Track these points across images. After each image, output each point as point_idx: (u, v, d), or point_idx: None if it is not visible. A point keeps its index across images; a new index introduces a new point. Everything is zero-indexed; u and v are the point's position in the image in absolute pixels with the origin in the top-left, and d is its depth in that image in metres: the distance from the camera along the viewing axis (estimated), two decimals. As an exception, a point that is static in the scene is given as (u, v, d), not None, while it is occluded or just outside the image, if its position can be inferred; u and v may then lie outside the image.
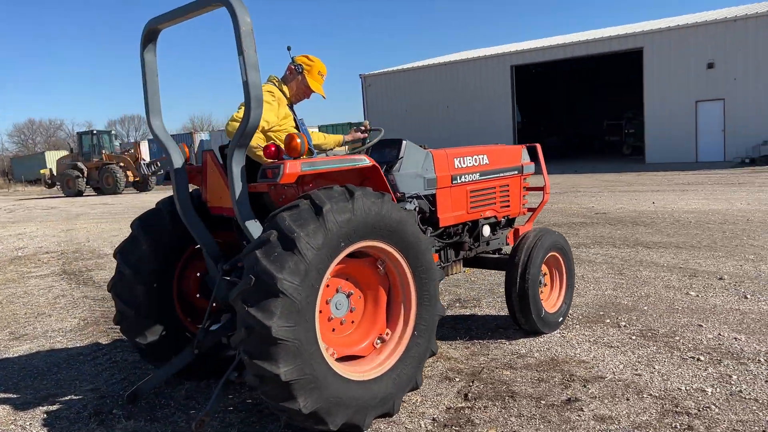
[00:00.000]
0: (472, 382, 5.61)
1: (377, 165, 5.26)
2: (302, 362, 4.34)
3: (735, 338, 6.33)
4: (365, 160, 5.20)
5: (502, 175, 7.09)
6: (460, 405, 5.14)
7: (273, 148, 4.91)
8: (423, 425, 4.83)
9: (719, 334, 6.45)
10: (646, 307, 7.58)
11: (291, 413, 4.42)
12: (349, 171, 5.16)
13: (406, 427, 4.82)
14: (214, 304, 5.40)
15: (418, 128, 41.30)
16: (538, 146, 7.68)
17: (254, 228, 4.92)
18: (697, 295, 7.95)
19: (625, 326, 6.92)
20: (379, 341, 5.08)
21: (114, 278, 5.70)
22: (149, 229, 5.68)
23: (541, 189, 7.64)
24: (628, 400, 5.04)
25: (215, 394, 4.72)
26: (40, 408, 5.67)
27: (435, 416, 4.97)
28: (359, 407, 4.64)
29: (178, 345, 5.75)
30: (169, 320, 5.80)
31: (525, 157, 7.50)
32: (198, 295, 6.01)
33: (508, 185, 7.19)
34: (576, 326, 7.02)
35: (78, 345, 7.54)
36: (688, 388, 5.20)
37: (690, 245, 11.20)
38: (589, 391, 5.24)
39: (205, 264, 5.93)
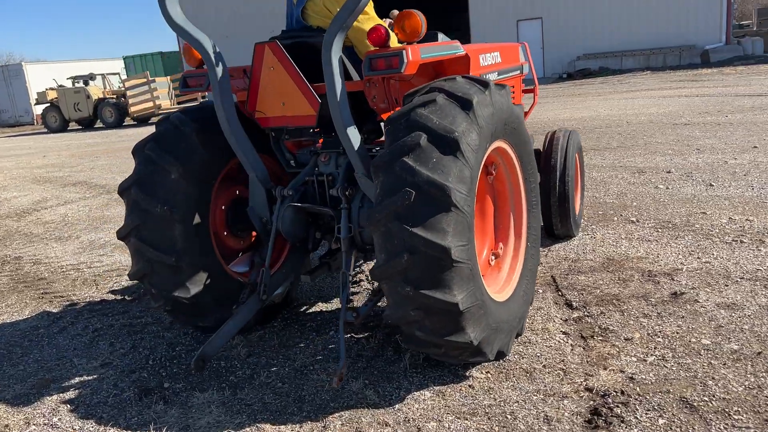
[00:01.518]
0: (559, 290, 5.23)
1: (468, 54, 4.52)
2: (474, 287, 3.63)
3: (747, 220, 6.58)
4: (461, 48, 4.43)
5: (511, 74, 6.58)
6: (575, 315, 4.75)
7: (383, 32, 3.92)
8: (561, 340, 4.37)
9: (730, 218, 6.68)
10: (635, 203, 7.68)
11: (453, 347, 3.72)
12: (447, 60, 4.37)
13: (547, 345, 4.32)
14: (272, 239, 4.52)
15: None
16: (527, 45, 7.26)
17: (354, 136, 3.98)
18: (668, 188, 8.23)
19: (638, 221, 6.94)
20: (493, 257, 4.46)
21: (133, 220, 4.38)
22: (172, 150, 4.41)
23: (532, 91, 7.27)
24: (727, 286, 4.99)
25: (341, 342, 3.83)
26: (57, 398, 4.29)
27: (564, 330, 4.53)
28: (507, 331, 4.06)
29: (225, 296, 4.64)
30: (212, 265, 4.64)
31: (522, 57, 7.05)
32: (225, 233, 4.87)
33: (514, 86, 6.72)
34: (593, 227, 6.90)
35: (23, 318, 5.91)
36: (766, 268, 5.26)
37: (604, 147, 11.66)
38: (682, 283, 5.11)
39: (231, 193, 4.80)
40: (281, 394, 4.03)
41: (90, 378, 4.55)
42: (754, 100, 15.94)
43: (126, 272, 6.99)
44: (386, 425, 3.60)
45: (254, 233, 5.28)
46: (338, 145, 4.56)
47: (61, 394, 4.35)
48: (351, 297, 4.61)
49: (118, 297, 6.27)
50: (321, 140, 5.34)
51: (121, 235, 4.50)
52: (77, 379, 4.55)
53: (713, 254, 5.71)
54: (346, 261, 4.24)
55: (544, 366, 4.06)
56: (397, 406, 3.78)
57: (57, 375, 4.65)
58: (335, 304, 5.48)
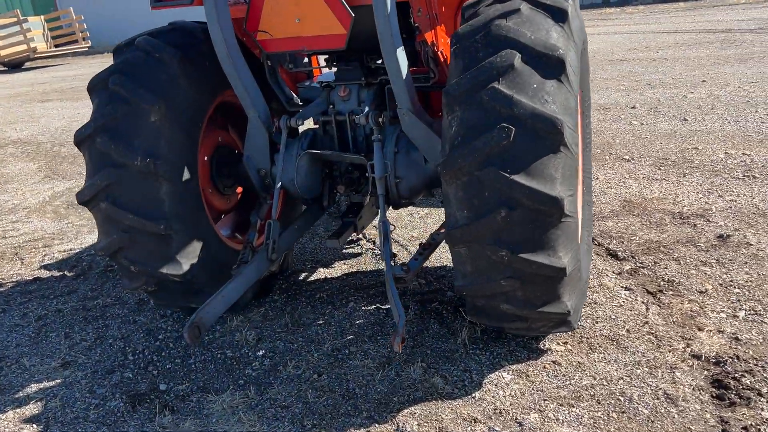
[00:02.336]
0: (593, 239, 4.65)
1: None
2: (576, 246, 2.95)
3: (743, 154, 6.32)
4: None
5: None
6: (627, 266, 4.22)
7: None
8: (628, 297, 3.82)
9: (726, 153, 6.40)
10: (618, 140, 7.28)
11: (544, 319, 3.07)
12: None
13: (616, 305, 3.75)
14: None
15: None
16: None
17: (403, 59, 3.14)
18: (642, 124, 7.89)
19: (632, 159, 6.54)
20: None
21: (101, 179, 3.34)
22: (149, 84, 3.38)
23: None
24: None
25: (396, 303, 3.06)
26: (14, 417, 3.26)
27: (624, 285, 3.98)
28: (584, 292, 3.44)
29: (221, 270, 3.71)
30: (205, 231, 3.69)
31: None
32: (210, 190, 3.91)
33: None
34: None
35: (-58, 307, 4.66)
36: (797, 203, 4.95)
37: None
38: (721, 224, 4.70)
39: (213, 140, 3.85)
40: (323, 390, 3.22)
41: (53, 384, 3.52)
42: (674, 36, 16.07)
43: (57, 240, 5.77)
44: (475, 421, 2.90)
45: (239, 190, 4.31)
46: (359, 76, 3.67)
47: (17, 411, 3.31)
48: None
49: (56, 273, 5.10)
50: (316, 72, 4.40)
51: (85, 198, 3.43)
52: (35, 387, 3.50)
53: (734, 191, 5.34)
54: (383, 207, 3.44)
55: (628, 331, 3.48)
56: (476, 394, 3.08)
57: (3, 384, 3.57)
58: (339, 268, 4.64)
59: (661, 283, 3.96)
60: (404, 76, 3.21)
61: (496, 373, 3.23)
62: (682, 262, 4.19)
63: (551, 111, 2.68)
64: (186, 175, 3.50)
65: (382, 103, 3.74)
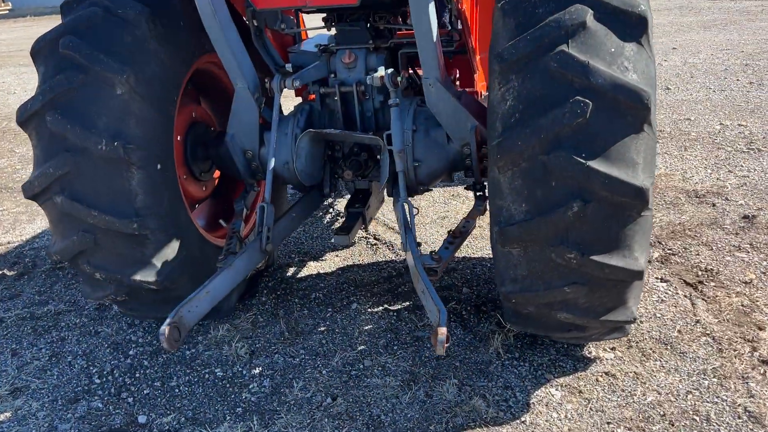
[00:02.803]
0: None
1: None
2: (648, 244, 2.49)
3: (739, 125, 6.06)
4: None
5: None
6: (656, 253, 3.81)
7: None
8: (668, 291, 3.43)
9: (721, 124, 6.14)
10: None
11: (605, 327, 2.61)
12: None
13: (657, 300, 3.35)
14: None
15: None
16: None
17: (434, 19, 2.60)
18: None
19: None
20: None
21: (56, 166, 2.69)
22: (112, 48, 2.72)
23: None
24: (793, 204, 4.29)
25: (433, 296, 2.53)
26: None
27: (658, 276, 3.58)
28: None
29: (203, 271, 3.11)
30: (185, 227, 3.09)
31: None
32: (185, 176, 3.28)
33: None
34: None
35: None
36: (815, 179, 4.66)
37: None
38: (741, 203, 4.37)
39: (186, 116, 3.25)
40: (341, 418, 2.69)
41: (1, 419, 2.86)
42: None
43: (-8, 234, 4.98)
44: (533, 454, 2.42)
45: (217, 174, 3.68)
46: (365, 38, 3.09)
47: (-41, 457, 2.65)
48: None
49: (-7, 273, 4.35)
50: (304, 33, 3.77)
51: (34, 190, 2.76)
52: (-21, 424, 2.84)
53: (743, 166, 5.04)
54: (404, 187, 2.89)
55: (679, 332, 3.07)
56: (526, 418, 2.62)
57: (-61, 420, 2.90)
58: (332, 262, 4.08)
59: (699, 272, 3.57)
60: (434, 38, 2.65)
61: (543, 389, 2.77)
62: (713, 248, 3.82)
63: (634, 81, 2.18)
64: (161, 161, 2.86)
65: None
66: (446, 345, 2.29)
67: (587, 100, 2.16)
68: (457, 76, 3.62)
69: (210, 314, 3.33)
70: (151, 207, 2.80)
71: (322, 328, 3.34)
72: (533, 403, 2.69)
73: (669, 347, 2.97)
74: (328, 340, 3.23)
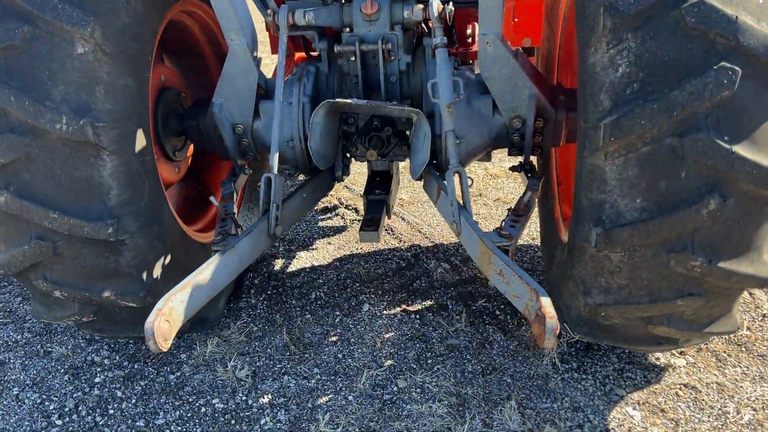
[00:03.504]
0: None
1: None
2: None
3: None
4: None
5: None
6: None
7: None
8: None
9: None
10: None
11: (704, 338, 2.23)
12: None
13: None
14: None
15: None
16: None
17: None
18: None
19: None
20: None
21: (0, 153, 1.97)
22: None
23: None
24: None
25: (522, 275, 1.98)
26: None
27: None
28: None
29: (189, 267, 2.46)
30: (168, 225, 2.43)
31: None
32: (156, 156, 2.60)
33: None
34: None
35: None
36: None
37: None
38: None
39: (154, 79, 2.59)
40: (387, 461, 2.17)
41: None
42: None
43: None
44: (632, 499, 1.99)
45: (191, 152, 3.01)
46: None
47: None
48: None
49: None
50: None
51: None
52: None
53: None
54: (454, 150, 2.24)
55: (749, 329, 2.71)
56: (611, 450, 2.18)
57: None
58: (326, 251, 3.50)
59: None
60: None
61: (618, 409, 2.34)
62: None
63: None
64: (139, 142, 2.18)
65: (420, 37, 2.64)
66: (556, 337, 1.75)
67: (735, 67, 1.66)
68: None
69: (194, 325, 2.72)
70: (130, 204, 2.14)
71: (334, 338, 2.78)
72: (613, 428, 2.26)
73: (744, 349, 2.60)
74: (345, 353, 2.68)
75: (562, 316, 2.51)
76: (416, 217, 3.81)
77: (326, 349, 2.71)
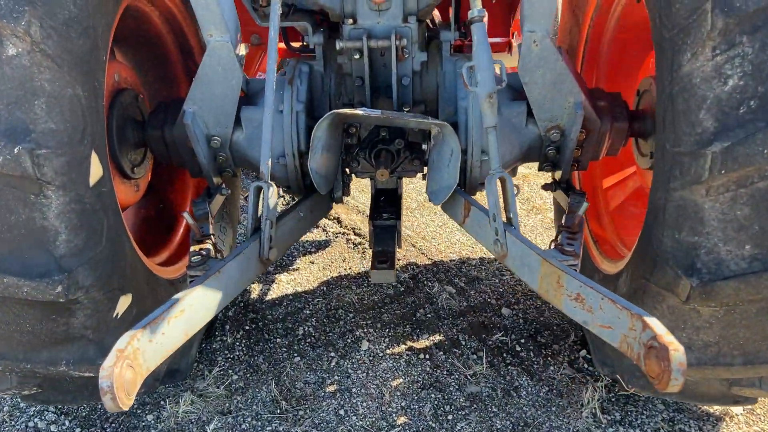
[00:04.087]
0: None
1: None
2: None
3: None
4: None
5: None
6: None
7: None
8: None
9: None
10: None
11: None
12: None
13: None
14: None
15: None
16: None
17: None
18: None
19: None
20: None
21: None
22: None
23: None
24: None
25: (619, 300, 1.59)
26: None
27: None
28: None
29: (156, 307, 1.98)
30: (130, 269, 1.91)
31: None
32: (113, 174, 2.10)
33: None
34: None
35: None
36: None
37: None
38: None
39: (109, 78, 2.08)
40: None
41: None
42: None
43: None
44: None
45: (151, 164, 2.48)
46: None
47: None
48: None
49: None
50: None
51: None
52: None
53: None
54: (497, 154, 1.80)
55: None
56: None
57: None
58: (309, 272, 3.05)
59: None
60: None
61: (679, 473, 1.99)
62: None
63: None
64: (94, 169, 1.67)
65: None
66: (684, 370, 1.30)
67: None
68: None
69: (162, 378, 2.23)
70: (84, 251, 1.64)
71: (331, 387, 2.35)
72: (678, 500, 1.91)
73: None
74: (348, 409, 2.25)
75: (610, 365, 2.15)
76: (408, 228, 3.39)
77: (324, 403, 2.28)
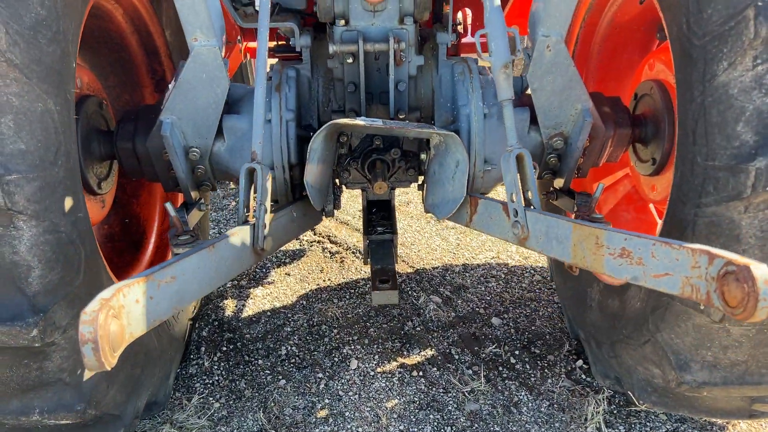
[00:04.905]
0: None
1: None
2: None
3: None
4: None
5: None
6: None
7: None
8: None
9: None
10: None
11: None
12: None
13: None
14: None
15: None
16: None
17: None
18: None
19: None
20: None
21: None
22: None
23: None
24: None
25: None
26: None
27: None
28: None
29: (137, 353, 1.81)
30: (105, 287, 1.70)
31: None
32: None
33: None
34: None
35: None
36: None
37: None
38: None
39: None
40: None
41: None
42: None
43: None
44: None
45: (117, 177, 2.26)
46: None
47: None
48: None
49: None
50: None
51: None
52: None
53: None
54: (514, 132, 1.69)
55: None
56: None
57: None
58: (286, 285, 2.88)
59: None
60: None
61: (690, 488, 1.95)
62: None
63: None
64: (70, 193, 1.48)
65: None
66: None
67: None
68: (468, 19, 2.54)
69: (144, 411, 2.04)
70: (60, 287, 1.44)
71: (322, 413, 2.20)
72: None
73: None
74: (343, 434, 2.12)
75: (613, 378, 2.08)
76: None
77: (317, 430, 2.13)
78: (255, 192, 1.64)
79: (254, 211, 1.64)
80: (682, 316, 1.61)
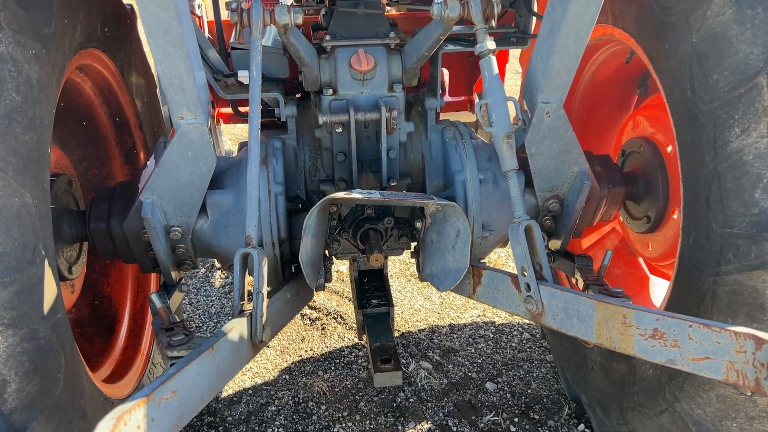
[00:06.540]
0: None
1: None
2: None
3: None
4: None
5: None
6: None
7: None
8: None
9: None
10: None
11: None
12: None
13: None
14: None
15: None
16: None
17: None
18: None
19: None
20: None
21: None
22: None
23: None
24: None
25: None
26: None
27: None
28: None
29: None
30: (87, 399, 1.56)
31: None
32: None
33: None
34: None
35: None
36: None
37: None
38: None
39: None
40: None
41: None
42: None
43: None
44: None
45: (86, 259, 2.11)
46: (383, 29, 1.86)
47: None
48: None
49: None
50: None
51: None
52: None
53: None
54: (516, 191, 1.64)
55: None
56: None
57: None
58: (265, 356, 2.73)
59: None
60: (589, 27, 1.53)
61: None
62: None
63: None
64: (48, 294, 1.34)
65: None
66: None
67: None
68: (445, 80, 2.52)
69: None
70: (39, 398, 1.29)
71: (320, 501, 2.05)
72: None
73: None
74: None
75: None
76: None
77: None
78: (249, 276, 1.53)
79: (249, 298, 1.53)
80: (704, 386, 1.55)
